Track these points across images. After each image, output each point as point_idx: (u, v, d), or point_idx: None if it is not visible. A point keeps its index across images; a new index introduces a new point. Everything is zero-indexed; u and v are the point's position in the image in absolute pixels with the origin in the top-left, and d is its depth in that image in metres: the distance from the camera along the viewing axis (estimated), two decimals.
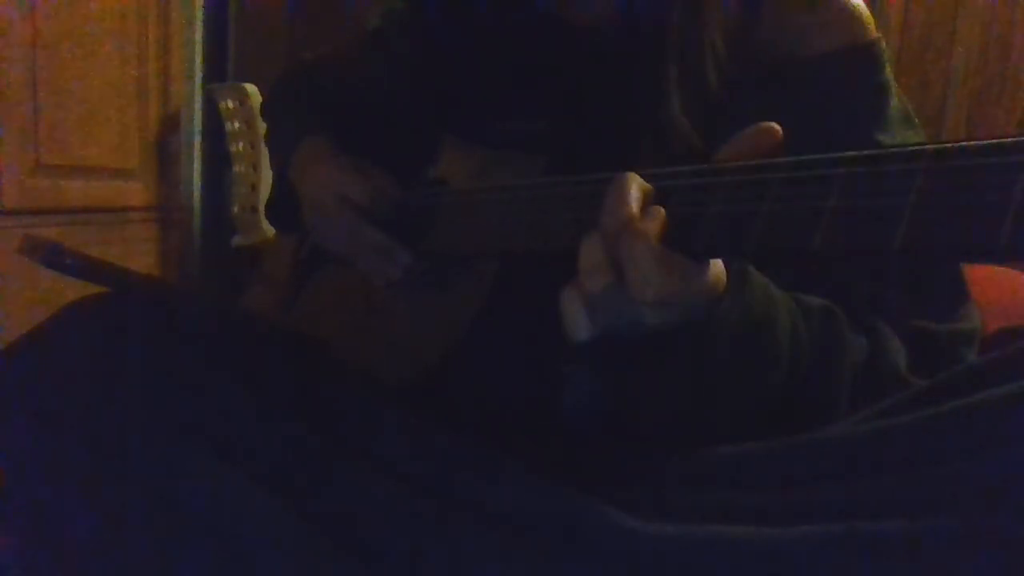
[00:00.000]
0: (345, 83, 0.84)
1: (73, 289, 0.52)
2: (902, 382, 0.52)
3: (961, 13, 1.78)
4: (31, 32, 1.52)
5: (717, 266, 0.44)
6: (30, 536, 0.47)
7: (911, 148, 0.35)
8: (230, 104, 1.75)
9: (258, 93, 1.72)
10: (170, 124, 1.90)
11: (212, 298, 1.65)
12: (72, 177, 1.67)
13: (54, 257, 0.54)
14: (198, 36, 1.92)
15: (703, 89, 0.61)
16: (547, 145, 0.63)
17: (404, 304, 0.72)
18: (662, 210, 0.42)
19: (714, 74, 0.61)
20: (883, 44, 0.63)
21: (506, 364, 0.63)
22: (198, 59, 1.92)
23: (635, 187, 0.43)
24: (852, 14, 0.62)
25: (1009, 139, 0.31)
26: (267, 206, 0.92)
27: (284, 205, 0.81)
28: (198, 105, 1.92)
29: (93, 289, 0.55)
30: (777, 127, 0.43)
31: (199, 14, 1.92)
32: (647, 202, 0.43)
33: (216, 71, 1.98)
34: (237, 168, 1.76)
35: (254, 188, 1.72)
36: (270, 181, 1.28)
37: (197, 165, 1.95)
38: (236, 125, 1.75)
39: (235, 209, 1.75)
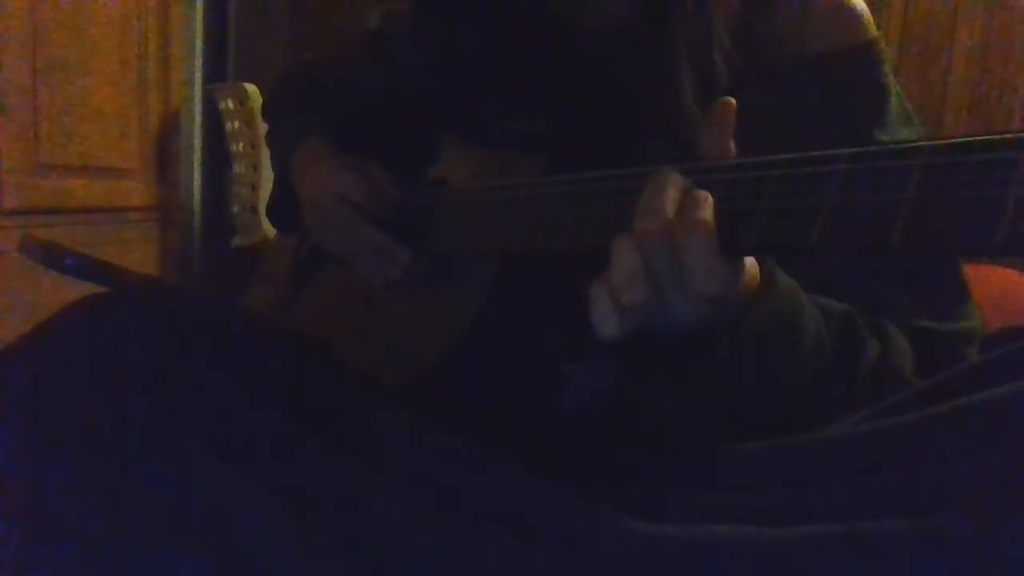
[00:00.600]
0: (345, 83, 0.84)
1: (73, 289, 0.52)
2: (906, 383, 0.52)
3: (961, 13, 1.78)
4: (31, 32, 1.52)
5: (752, 264, 0.44)
6: (30, 536, 0.46)
7: (910, 144, 0.35)
8: (230, 104, 1.75)
9: (258, 93, 1.72)
10: (170, 124, 1.90)
11: (212, 298, 1.64)
12: (72, 177, 1.67)
13: (54, 257, 0.54)
14: (198, 36, 1.92)
15: (713, 80, 0.61)
16: (547, 145, 0.63)
17: (404, 304, 0.72)
18: (711, 198, 0.40)
19: (723, 67, 0.61)
20: (882, 43, 0.63)
21: (506, 364, 0.63)
22: (198, 59, 1.93)
23: (673, 184, 0.41)
24: (851, 14, 0.62)
25: (1006, 135, 0.31)
26: (267, 206, 0.92)
27: (284, 205, 0.81)
28: (198, 105, 1.93)
29: (93, 289, 0.55)
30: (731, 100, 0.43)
31: (199, 14, 1.92)
32: (687, 197, 0.41)
33: (216, 71, 1.98)
34: (237, 168, 1.76)
35: (254, 188, 1.72)
36: (270, 181, 1.29)
37: (197, 165, 1.95)
38: (236, 125, 1.75)
39: (235, 209, 1.75)
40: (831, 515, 0.38)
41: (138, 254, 1.84)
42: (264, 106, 0.96)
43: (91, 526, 0.45)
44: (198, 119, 1.93)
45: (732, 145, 0.44)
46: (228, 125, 1.76)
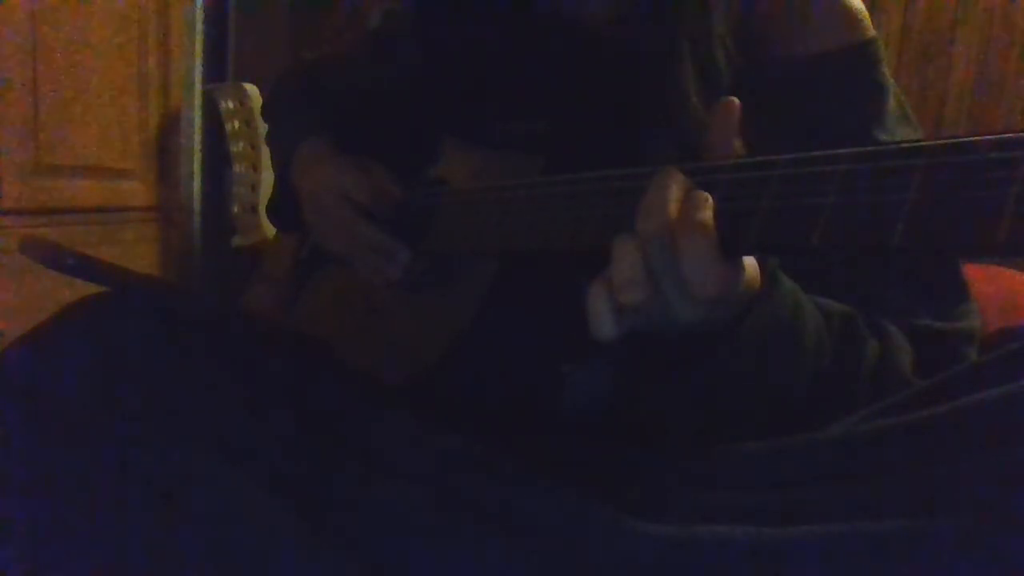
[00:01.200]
0: (345, 83, 0.84)
1: (73, 289, 0.52)
2: (906, 383, 0.52)
3: (961, 14, 1.78)
4: (31, 32, 1.52)
5: (752, 264, 0.44)
6: (29, 536, 0.46)
7: (910, 145, 0.35)
8: (230, 104, 1.75)
9: (258, 93, 1.72)
10: (170, 124, 1.90)
11: (212, 298, 1.65)
12: (72, 177, 1.67)
13: (54, 257, 0.54)
14: (198, 36, 1.92)
15: (715, 79, 0.61)
16: (547, 145, 0.63)
17: (404, 304, 0.72)
18: (711, 199, 0.40)
19: (725, 65, 0.61)
20: (880, 43, 0.63)
21: (506, 364, 0.63)
22: (198, 59, 1.93)
23: (676, 184, 0.41)
24: (849, 13, 0.63)
25: (1007, 135, 0.31)
26: (268, 206, 0.92)
27: (284, 205, 0.81)
28: (198, 105, 1.93)
29: (93, 289, 0.55)
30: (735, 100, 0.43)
31: (199, 14, 1.92)
32: (688, 198, 0.41)
33: (216, 71, 1.98)
34: (237, 168, 1.76)
35: (254, 188, 1.72)
36: (270, 181, 1.28)
37: (197, 165, 1.95)
38: (236, 125, 1.75)
39: (235, 209, 1.75)
40: (831, 515, 0.38)
41: (138, 254, 1.84)
42: (264, 106, 0.96)
43: (91, 525, 0.45)
44: (198, 119, 1.93)
45: (738, 144, 0.44)
46: (228, 125, 1.76)
